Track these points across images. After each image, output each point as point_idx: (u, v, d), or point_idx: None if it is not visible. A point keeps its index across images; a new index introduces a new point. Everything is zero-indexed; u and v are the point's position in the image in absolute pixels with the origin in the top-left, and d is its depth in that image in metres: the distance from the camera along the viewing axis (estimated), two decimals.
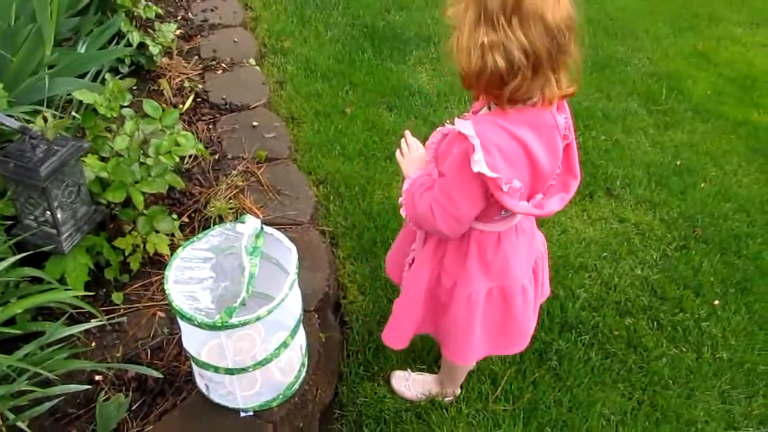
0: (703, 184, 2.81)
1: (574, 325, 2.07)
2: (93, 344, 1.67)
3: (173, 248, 1.83)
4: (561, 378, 1.91)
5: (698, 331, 2.12)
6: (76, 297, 1.54)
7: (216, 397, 1.52)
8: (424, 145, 1.45)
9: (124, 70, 2.61)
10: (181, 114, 2.53)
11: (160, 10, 2.96)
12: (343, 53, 3.41)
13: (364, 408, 1.80)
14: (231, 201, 2.12)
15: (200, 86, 2.78)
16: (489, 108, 1.27)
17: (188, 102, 2.63)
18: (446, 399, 1.82)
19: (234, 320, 1.31)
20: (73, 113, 2.04)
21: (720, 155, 3.01)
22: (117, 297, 1.77)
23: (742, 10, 4.56)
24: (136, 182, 1.78)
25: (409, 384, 1.84)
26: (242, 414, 1.52)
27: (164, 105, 2.39)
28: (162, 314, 1.77)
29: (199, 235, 1.49)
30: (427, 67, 3.42)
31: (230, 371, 1.42)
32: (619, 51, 3.83)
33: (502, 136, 1.16)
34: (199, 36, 3.20)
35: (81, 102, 1.90)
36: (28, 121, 1.72)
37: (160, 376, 1.55)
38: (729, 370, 2.01)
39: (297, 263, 1.45)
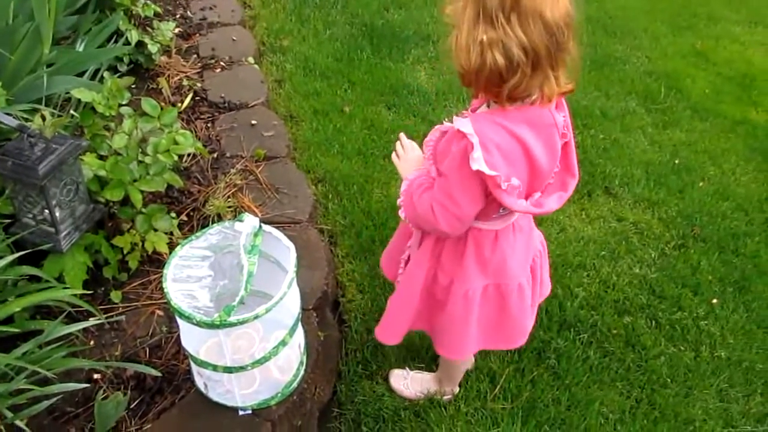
0: (701, 183, 2.81)
1: (572, 323, 2.07)
2: (91, 343, 1.67)
3: (172, 247, 1.84)
4: (559, 376, 1.91)
5: (696, 330, 2.12)
6: (75, 295, 1.54)
7: (214, 395, 1.52)
8: (421, 144, 1.46)
9: (123, 68, 2.61)
10: (180, 112, 2.53)
11: (158, 9, 2.96)
12: (342, 52, 3.40)
13: (362, 406, 1.80)
14: (229, 199, 2.12)
15: (199, 85, 2.78)
16: (488, 106, 1.27)
17: (187, 100, 2.63)
18: (445, 397, 1.82)
19: (232, 319, 1.31)
20: (72, 112, 2.03)
21: (718, 154, 3.02)
22: (115, 295, 1.77)
23: (740, 9, 4.56)
24: (135, 181, 1.78)
25: (408, 382, 1.84)
26: (241, 412, 1.52)
27: (163, 103, 2.39)
28: (160, 313, 1.77)
29: (198, 234, 1.49)
30: (425, 65, 3.41)
31: (229, 369, 1.42)
32: (618, 50, 3.83)
33: (501, 134, 1.17)
34: (197, 34, 3.19)
35: (79, 100, 1.89)
36: (27, 120, 1.72)
37: (159, 374, 1.55)
38: (727, 368, 2.01)
39: (295, 262, 1.45)
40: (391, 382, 1.86)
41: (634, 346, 2.05)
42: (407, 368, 1.89)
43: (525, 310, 1.52)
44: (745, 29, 4.29)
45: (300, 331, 1.57)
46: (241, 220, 1.40)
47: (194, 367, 1.51)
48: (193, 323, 1.32)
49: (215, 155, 2.37)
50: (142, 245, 1.82)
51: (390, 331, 1.62)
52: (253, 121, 2.57)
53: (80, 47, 2.33)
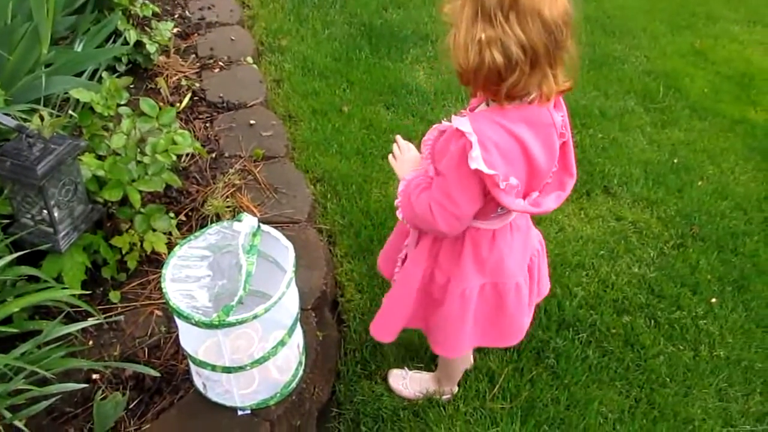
0: (700, 182, 2.81)
1: (571, 323, 2.07)
2: (90, 343, 1.67)
3: (170, 247, 1.84)
4: (558, 376, 1.91)
5: (695, 329, 2.12)
6: (73, 295, 1.54)
7: (213, 395, 1.52)
8: (419, 143, 1.46)
9: (121, 68, 2.61)
10: (178, 112, 2.52)
11: (157, 9, 2.95)
12: (341, 51, 3.40)
13: (361, 406, 1.80)
14: (228, 199, 2.12)
15: (197, 84, 2.78)
16: (487, 104, 1.27)
17: (185, 100, 2.63)
18: (444, 397, 1.82)
19: (231, 318, 1.31)
20: (70, 112, 2.03)
21: (717, 153, 3.02)
22: (114, 295, 1.77)
23: (739, 8, 4.56)
24: (133, 181, 1.78)
25: (407, 382, 1.84)
26: (239, 412, 1.52)
27: (161, 103, 2.39)
28: (159, 313, 1.77)
29: (197, 234, 1.49)
30: (424, 65, 3.41)
31: (227, 370, 1.42)
32: (617, 49, 3.83)
33: (500, 133, 1.17)
34: (196, 34, 3.19)
35: (78, 100, 1.89)
36: (25, 120, 1.72)
37: (158, 374, 1.55)
38: (726, 367, 2.01)
39: (294, 261, 1.45)
40: (390, 381, 1.85)
41: (633, 345, 2.05)
42: (406, 368, 1.89)
43: (522, 309, 1.52)
44: (743, 28, 4.29)
45: (299, 331, 1.57)
46: (239, 220, 1.39)
47: (193, 367, 1.51)
48: (191, 323, 1.32)
49: (214, 155, 2.37)
50: (141, 245, 1.82)
51: (384, 329, 1.62)
52: (252, 121, 2.57)
53: (79, 47, 2.33)
